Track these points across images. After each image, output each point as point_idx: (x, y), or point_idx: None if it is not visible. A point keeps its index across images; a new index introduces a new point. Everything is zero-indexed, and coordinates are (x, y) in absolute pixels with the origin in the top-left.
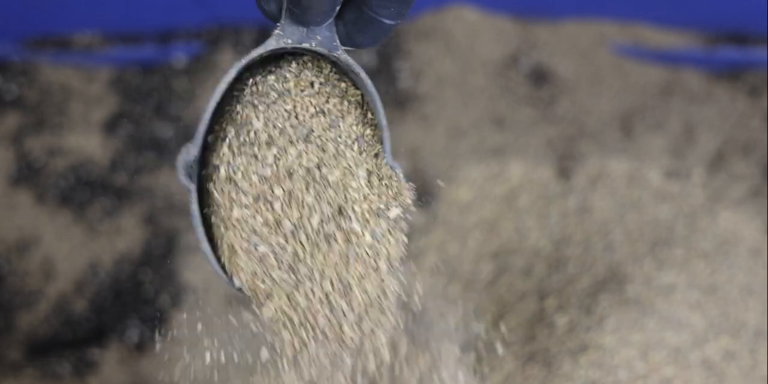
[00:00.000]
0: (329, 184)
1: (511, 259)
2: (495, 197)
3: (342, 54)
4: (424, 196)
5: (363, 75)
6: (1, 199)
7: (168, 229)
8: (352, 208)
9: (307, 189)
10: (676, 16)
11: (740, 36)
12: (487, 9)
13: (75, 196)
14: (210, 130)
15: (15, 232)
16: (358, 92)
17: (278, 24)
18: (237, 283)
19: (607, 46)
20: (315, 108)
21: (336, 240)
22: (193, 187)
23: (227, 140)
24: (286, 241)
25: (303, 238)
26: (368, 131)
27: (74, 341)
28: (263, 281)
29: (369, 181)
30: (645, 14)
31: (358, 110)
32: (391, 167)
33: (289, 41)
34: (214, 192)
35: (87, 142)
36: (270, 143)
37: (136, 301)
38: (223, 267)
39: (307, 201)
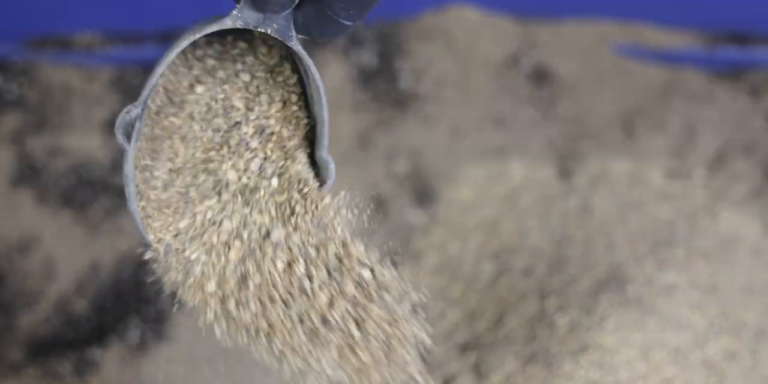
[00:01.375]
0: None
1: (511, 259)
2: (496, 197)
3: (296, 45)
4: (425, 196)
5: (312, 68)
6: (1, 199)
7: None
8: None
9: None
10: (677, 16)
11: (741, 36)
12: (487, 9)
13: (76, 196)
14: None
15: (16, 232)
16: (294, 88)
17: (237, 5)
18: (155, 245)
19: (608, 46)
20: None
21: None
22: (128, 147)
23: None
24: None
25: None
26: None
27: (75, 341)
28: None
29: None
30: (646, 14)
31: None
32: (325, 159)
33: (245, 23)
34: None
35: (88, 142)
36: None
37: (136, 301)
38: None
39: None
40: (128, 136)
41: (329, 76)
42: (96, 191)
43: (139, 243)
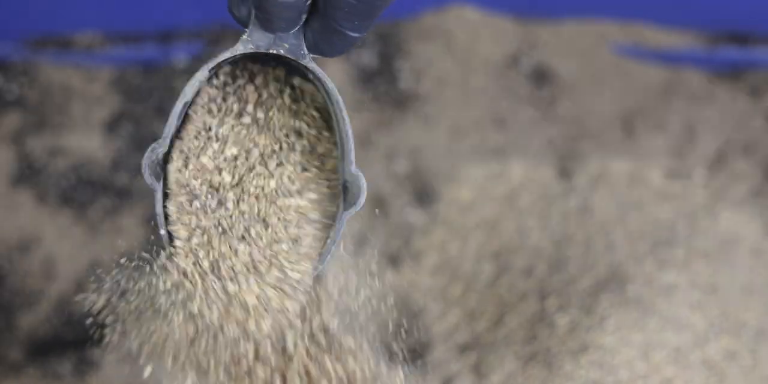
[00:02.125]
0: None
1: (511, 259)
2: (496, 197)
3: (309, 62)
4: (425, 196)
5: (329, 85)
6: (2, 199)
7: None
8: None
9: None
10: (677, 16)
11: (741, 36)
12: (487, 9)
13: (76, 196)
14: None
15: (16, 232)
16: (317, 105)
17: (246, 29)
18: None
19: (607, 46)
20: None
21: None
22: (158, 187)
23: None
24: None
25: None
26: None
27: (75, 341)
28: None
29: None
30: (646, 14)
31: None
32: (353, 174)
33: (257, 47)
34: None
35: (88, 142)
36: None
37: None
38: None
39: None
40: (156, 176)
41: (329, 76)
42: (96, 191)
43: (140, 243)
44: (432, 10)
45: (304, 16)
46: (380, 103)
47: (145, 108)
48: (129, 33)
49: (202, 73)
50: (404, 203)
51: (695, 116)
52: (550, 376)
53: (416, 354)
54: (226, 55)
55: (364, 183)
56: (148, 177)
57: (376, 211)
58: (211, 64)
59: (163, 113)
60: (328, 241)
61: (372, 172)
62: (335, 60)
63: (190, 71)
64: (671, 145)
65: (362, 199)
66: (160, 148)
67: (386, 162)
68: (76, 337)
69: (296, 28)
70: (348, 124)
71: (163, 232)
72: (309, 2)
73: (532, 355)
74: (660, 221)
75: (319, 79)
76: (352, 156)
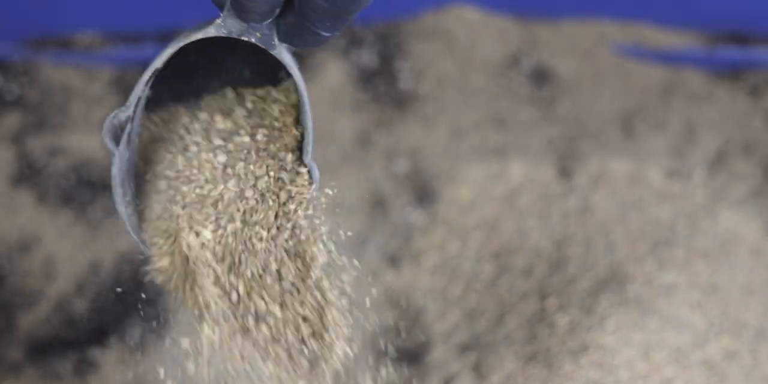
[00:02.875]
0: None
1: (511, 259)
2: (496, 197)
3: (280, 52)
4: (425, 196)
5: (297, 76)
6: (1, 199)
7: None
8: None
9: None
10: (677, 16)
11: (741, 36)
12: (487, 9)
13: (76, 196)
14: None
15: (16, 232)
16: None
17: (221, 14)
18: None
19: (607, 46)
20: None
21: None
22: (115, 150)
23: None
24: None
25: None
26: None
27: (75, 341)
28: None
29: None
30: (646, 14)
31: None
32: (310, 165)
33: (229, 32)
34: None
35: (88, 142)
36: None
37: (137, 301)
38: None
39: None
40: (116, 140)
41: (329, 76)
42: (96, 191)
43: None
44: (432, 10)
45: (277, 10)
46: (380, 103)
47: None
48: (129, 33)
49: (173, 49)
50: (404, 203)
51: (695, 116)
52: (550, 376)
53: (416, 354)
54: (198, 35)
55: (317, 173)
56: (108, 141)
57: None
58: (183, 41)
59: None
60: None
61: (372, 172)
62: (335, 60)
63: None
64: (671, 145)
65: (314, 188)
66: (123, 113)
67: (386, 162)
68: (76, 337)
69: (269, 20)
70: (310, 118)
71: (120, 209)
72: None
73: (532, 355)
74: (660, 221)
75: (288, 70)
76: (310, 147)
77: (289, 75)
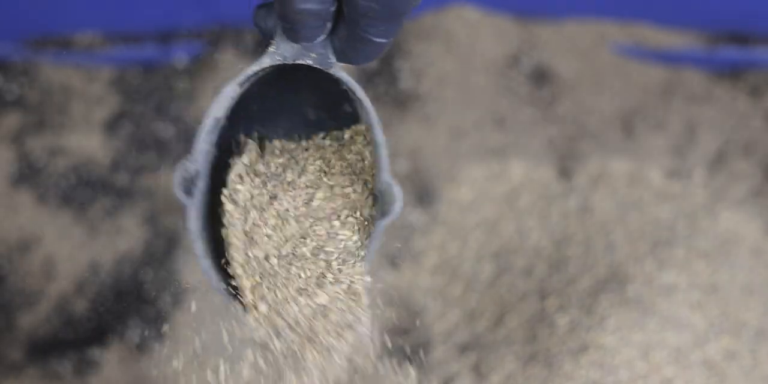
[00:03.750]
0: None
1: (511, 259)
2: (496, 197)
3: (338, 71)
4: (425, 196)
5: (360, 93)
6: (2, 199)
7: (169, 229)
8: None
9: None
10: (677, 16)
11: (741, 36)
12: (487, 8)
13: (76, 196)
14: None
15: (16, 232)
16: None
17: (272, 41)
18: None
19: (607, 46)
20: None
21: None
22: (189, 203)
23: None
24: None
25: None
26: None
27: (75, 341)
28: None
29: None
30: (646, 14)
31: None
32: (386, 183)
33: (283, 58)
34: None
35: (88, 142)
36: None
37: (136, 301)
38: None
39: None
40: (188, 193)
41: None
42: (96, 191)
43: (139, 243)
44: (432, 10)
45: (329, 25)
46: (380, 103)
47: (145, 108)
48: (129, 33)
49: (232, 88)
50: (404, 203)
51: (695, 116)
52: (550, 376)
53: (416, 354)
54: (254, 68)
55: (398, 191)
56: (180, 194)
57: None
58: (241, 77)
59: (163, 113)
60: (367, 249)
61: None
62: None
63: (191, 71)
64: (671, 145)
65: (397, 208)
66: (191, 164)
67: None
68: (76, 337)
69: (322, 38)
70: (380, 133)
71: (203, 263)
72: (333, 10)
73: (532, 355)
74: (660, 221)
75: (349, 88)
76: (386, 164)
77: (351, 107)
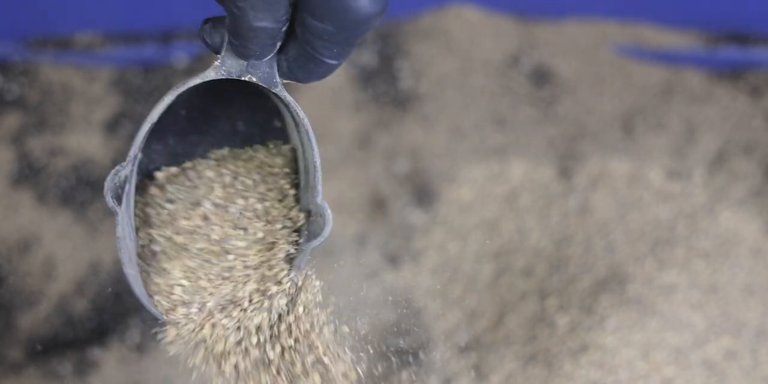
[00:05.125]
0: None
1: (511, 258)
2: (496, 197)
3: (281, 90)
4: (425, 196)
5: (300, 114)
6: (2, 199)
7: None
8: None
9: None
10: (678, 16)
11: (741, 36)
12: (487, 8)
13: (76, 196)
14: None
15: (16, 232)
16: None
17: (219, 56)
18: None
19: (608, 46)
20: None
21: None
22: (118, 210)
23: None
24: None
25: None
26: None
27: (75, 341)
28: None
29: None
30: (646, 14)
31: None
32: (319, 205)
33: (228, 73)
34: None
35: (88, 142)
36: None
37: (137, 301)
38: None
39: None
40: (118, 199)
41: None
42: (96, 191)
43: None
44: (432, 10)
45: (278, 44)
46: (380, 103)
47: (145, 108)
48: (129, 33)
49: (170, 98)
50: (404, 203)
51: (695, 116)
52: (550, 376)
53: (416, 354)
54: (197, 80)
55: (329, 214)
56: (110, 200)
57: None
58: (181, 88)
59: None
60: (293, 269)
61: (372, 172)
62: None
63: (191, 71)
64: (671, 145)
65: (327, 231)
66: (123, 170)
67: (386, 162)
68: (76, 337)
69: (270, 56)
70: (317, 155)
71: (128, 271)
72: (284, 29)
73: (532, 355)
74: (660, 221)
75: (292, 109)
76: (320, 187)
77: (281, 123)
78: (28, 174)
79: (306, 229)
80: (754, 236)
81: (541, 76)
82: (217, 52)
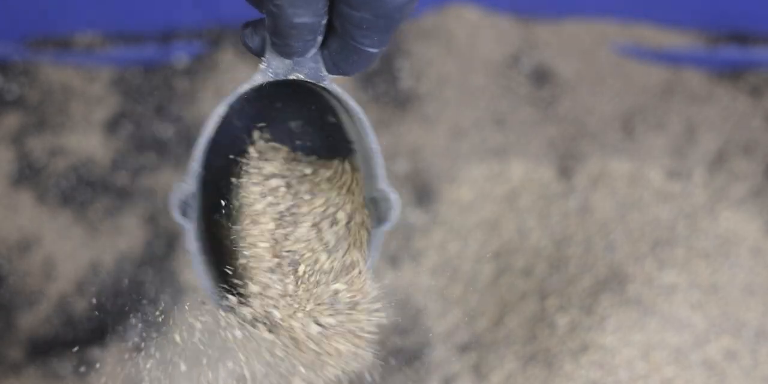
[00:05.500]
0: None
1: (512, 259)
2: (496, 197)
3: (330, 84)
4: (425, 196)
5: (352, 104)
6: (2, 199)
7: (169, 229)
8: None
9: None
10: (678, 16)
11: (741, 36)
12: (488, 8)
13: (76, 196)
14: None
15: (16, 232)
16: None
17: (263, 58)
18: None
19: (608, 46)
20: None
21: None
22: (189, 225)
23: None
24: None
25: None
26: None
27: (75, 341)
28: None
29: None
30: (646, 14)
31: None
32: (382, 190)
33: (275, 74)
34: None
35: (88, 142)
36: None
37: (136, 301)
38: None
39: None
40: (185, 214)
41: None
42: (96, 191)
43: (139, 243)
44: (432, 10)
45: (320, 38)
46: (380, 103)
47: (145, 108)
48: (129, 33)
49: (223, 108)
50: (404, 203)
51: (695, 116)
52: (550, 376)
53: (416, 354)
54: (246, 87)
55: (394, 197)
56: (178, 217)
57: None
58: (231, 98)
59: (163, 113)
60: (368, 257)
61: None
62: None
63: (191, 71)
64: (671, 145)
65: (395, 214)
66: (187, 186)
67: (386, 162)
68: (76, 337)
69: (313, 51)
70: (374, 141)
71: (205, 284)
72: (324, 22)
73: (532, 355)
74: (660, 221)
75: (341, 100)
76: (381, 172)
77: (335, 118)
78: (28, 174)
79: (375, 216)
80: (754, 236)
81: (541, 76)
82: (260, 55)
